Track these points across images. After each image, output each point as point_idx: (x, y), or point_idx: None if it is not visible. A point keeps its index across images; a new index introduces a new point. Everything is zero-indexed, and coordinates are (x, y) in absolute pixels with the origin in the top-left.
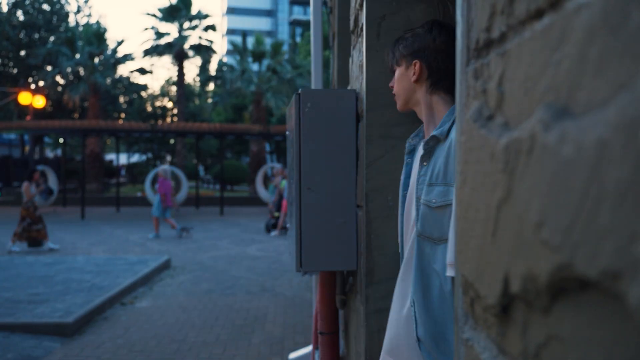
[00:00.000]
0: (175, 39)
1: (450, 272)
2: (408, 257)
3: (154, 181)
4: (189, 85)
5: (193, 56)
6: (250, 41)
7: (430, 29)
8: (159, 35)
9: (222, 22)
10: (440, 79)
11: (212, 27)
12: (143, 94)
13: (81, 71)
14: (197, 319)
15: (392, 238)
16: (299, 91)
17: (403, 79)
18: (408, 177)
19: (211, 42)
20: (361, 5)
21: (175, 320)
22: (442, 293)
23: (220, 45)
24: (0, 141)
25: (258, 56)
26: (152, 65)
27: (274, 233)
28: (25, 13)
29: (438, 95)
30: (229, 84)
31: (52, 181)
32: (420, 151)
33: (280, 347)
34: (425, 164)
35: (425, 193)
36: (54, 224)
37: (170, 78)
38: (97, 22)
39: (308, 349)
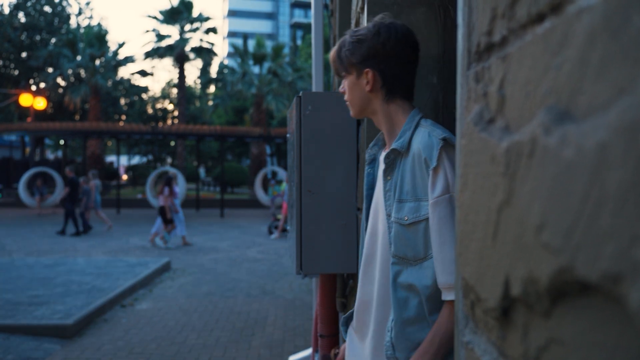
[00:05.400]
0: (176, 42)
1: (449, 296)
2: (384, 281)
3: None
4: (189, 87)
5: (194, 58)
6: (251, 44)
7: (377, 32)
8: (160, 37)
9: (223, 25)
10: (396, 85)
11: (213, 30)
12: (144, 96)
13: (82, 73)
14: (197, 322)
15: None
16: (300, 94)
17: (356, 88)
18: (371, 188)
19: (212, 44)
20: (362, 9)
21: (176, 323)
22: (419, 315)
23: (221, 48)
24: (1, 143)
25: (259, 59)
26: (153, 67)
27: (274, 235)
28: (26, 15)
29: (395, 104)
30: (229, 86)
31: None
32: (381, 165)
33: (281, 349)
34: (389, 178)
35: (396, 210)
36: (54, 226)
37: (171, 80)
38: (99, 24)
39: (308, 351)
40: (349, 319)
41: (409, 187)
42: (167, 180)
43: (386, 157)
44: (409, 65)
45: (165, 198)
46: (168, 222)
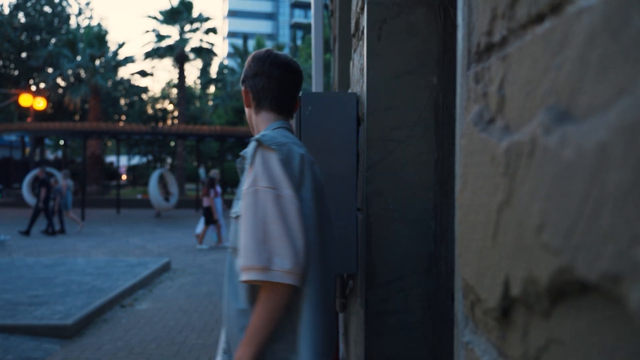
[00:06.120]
0: (176, 42)
1: (243, 277)
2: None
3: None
4: (189, 87)
5: (194, 59)
6: (251, 44)
7: (250, 59)
8: (160, 37)
9: (223, 25)
10: (263, 98)
11: (213, 30)
12: (144, 96)
13: (82, 73)
14: (197, 322)
15: (392, 241)
16: (300, 94)
17: (246, 108)
18: None
19: (212, 44)
20: (362, 9)
21: (175, 323)
22: (248, 303)
23: (221, 48)
24: (1, 143)
25: None
26: (153, 67)
27: None
28: (26, 15)
29: (261, 115)
30: (229, 86)
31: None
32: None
33: None
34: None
35: (232, 207)
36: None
37: (171, 80)
38: (99, 24)
39: None
40: None
41: (243, 187)
42: (210, 181)
43: (238, 162)
44: (275, 81)
45: (211, 199)
46: (213, 222)
